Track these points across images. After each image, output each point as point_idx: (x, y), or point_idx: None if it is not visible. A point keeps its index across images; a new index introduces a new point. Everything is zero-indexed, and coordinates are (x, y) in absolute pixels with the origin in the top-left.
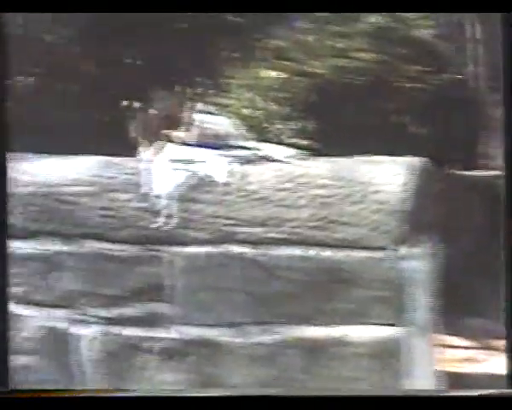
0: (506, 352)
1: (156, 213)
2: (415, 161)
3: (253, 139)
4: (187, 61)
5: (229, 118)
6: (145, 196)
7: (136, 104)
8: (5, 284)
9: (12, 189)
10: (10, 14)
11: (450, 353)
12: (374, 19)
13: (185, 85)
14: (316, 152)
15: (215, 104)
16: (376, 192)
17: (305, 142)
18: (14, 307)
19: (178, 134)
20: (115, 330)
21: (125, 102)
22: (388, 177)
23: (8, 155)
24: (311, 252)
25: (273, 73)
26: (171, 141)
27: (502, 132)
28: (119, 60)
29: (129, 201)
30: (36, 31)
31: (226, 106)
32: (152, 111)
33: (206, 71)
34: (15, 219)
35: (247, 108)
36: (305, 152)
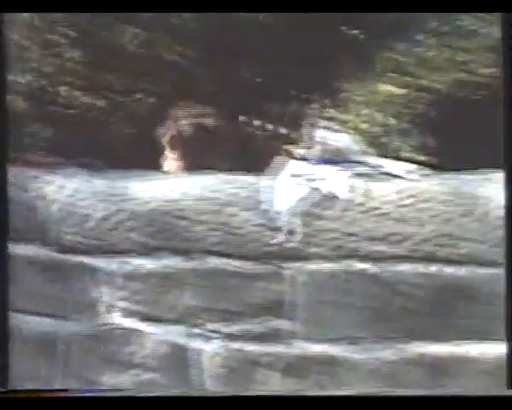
0: (506, 353)
1: (277, 230)
2: None
3: (372, 155)
4: (306, 76)
5: (349, 134)
6: (266, 213)
7: (256, 121)
8: (5, 286)
9: (133, 206)
10: (129, 33)
11: None
12: (494, 33)
13: (304, 102)
14: (435, 168)
15: (334, 120)
16: (497, 208)
17: (424, 157)
18: (135, 324)
19: (299, 150)
20: (236, 345)
21: (243, 119)
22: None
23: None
24: (433, 268)
25: (392, 88)
26: (292, 157)
27: (502, 133)
28: (238, 77)
29: (250, 217)
30: (156, 49)
31: (345, 122)
32: (272, 128)
33: (325, 86)
34: (137, 236)
35: (365, 123)
36: (424, 168)
